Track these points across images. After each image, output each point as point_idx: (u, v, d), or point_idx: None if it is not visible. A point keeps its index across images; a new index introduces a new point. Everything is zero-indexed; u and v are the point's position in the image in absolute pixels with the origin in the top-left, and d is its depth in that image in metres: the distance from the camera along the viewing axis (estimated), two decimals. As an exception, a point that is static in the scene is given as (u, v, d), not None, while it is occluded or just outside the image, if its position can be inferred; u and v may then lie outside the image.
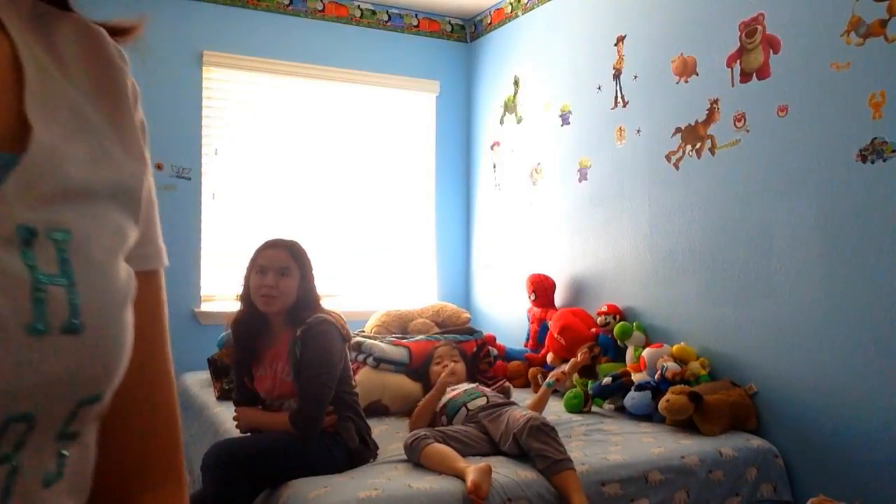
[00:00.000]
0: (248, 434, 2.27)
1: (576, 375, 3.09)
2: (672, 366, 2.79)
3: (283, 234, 2.48)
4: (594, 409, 2.96)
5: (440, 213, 4.48)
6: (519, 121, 4.12)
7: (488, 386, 2.80)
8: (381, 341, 3.16)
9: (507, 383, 3.01)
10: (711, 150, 2.89)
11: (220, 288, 3.83)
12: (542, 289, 3.67)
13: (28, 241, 0.42)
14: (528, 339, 3.76)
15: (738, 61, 2.78)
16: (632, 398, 2.84)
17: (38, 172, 0.44)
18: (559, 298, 3.71)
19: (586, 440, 2.51)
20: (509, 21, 4.22)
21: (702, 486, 2.36)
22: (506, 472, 2.11)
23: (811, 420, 2.51)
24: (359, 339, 3.15)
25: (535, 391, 3.15)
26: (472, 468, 2.01)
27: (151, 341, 0.58)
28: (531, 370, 3.40)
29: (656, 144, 3.16)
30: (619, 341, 3.16)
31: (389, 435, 2.61)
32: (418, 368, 2.99)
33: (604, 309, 3.28)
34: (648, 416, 2.80)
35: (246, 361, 2.33)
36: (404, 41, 4.39)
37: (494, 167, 4.33)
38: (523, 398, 2.88)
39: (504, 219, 4.23)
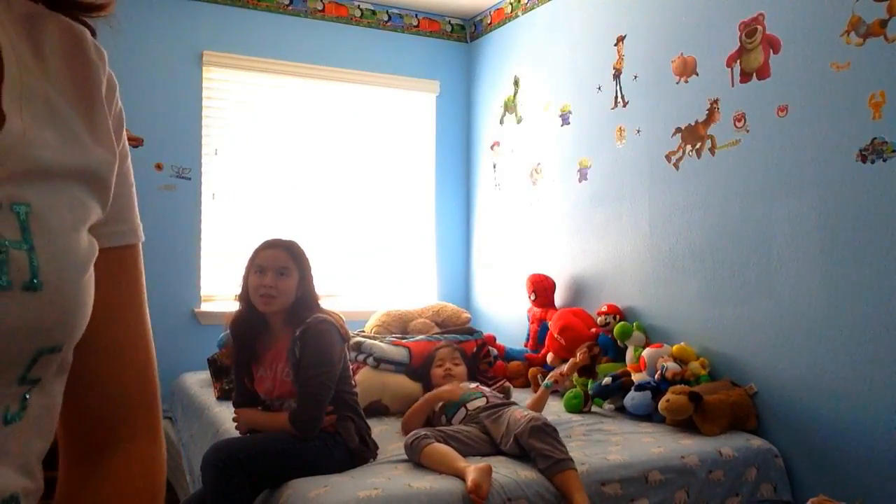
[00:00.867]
0: (248, 434, 2.27)
1: (575, 375, 3.09)
2: (672, 366, 2.80)
3: (283, 234, 2.48)
4: (594, 409, 2.96)
5: (440, 213, 4.48)
6: (519, 121, 4.12)
7: (488, 386, 2.80)
8: (381, 341, 3.16)
9: (507, 383, 3.01)
10: (711, 150, 2.89)
11: (220, 288, 3.83)
12: (542, 289, 3.67)
13: None
14: (528, 339, 3.76)
15: (738, 61, 2.78)
16: (632, 398, 2.84)
17: (4, 155, 0.50)
18: (559, 298, 3.71)
19: (586, 440, 2.51)
20: (509, 21, 4.22)
21: (702, 486, 2.36)
22: (506, 471, 2.11)
23: (811, 420, 2.51)
24: (359, 339, 3.15)
25: (535, 391, 3.14)
26: (472, 468, 2.01)
27: (126, 307, 0.70)
28: (531, 370, 3.40)
29: (656, 144, 3.16)
30: (619, 341, 3.16)
31: (389, 435, 2.61)
32: (418, 368, 2.99)
33: (604, 309, 3.28)
34: (648, 416, 2.80)
35: (245, 362, 2.33)
36: (404, 41, 4.39)
37: (494, 167, 4.33)
38: (523, 398, 2.88)
39: (504, 219, 4.23)
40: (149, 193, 3.67)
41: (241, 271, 2.35)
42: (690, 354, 2.87)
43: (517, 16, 4.15)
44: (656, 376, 2.82)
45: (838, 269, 2.43)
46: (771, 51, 2.65)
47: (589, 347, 3.13)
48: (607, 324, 3.23)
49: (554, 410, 2.94)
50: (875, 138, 2.32)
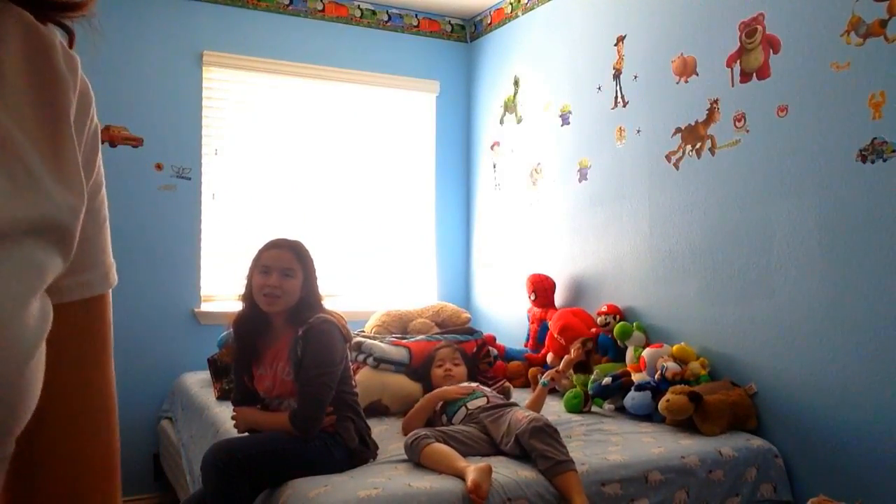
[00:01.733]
0: (248, 434, 2.27)
1: (574, 374, 3.08)
2: (672, 366, 2.80)
3: (284, 234, 2.48)
4: (594, 409, 2.96)
5: (440, 213, 4.48)
6: (519, 121, 4.12)
7: (488, 386, 2.80)
8: (381, 341, 3.16)
9: (507, 383, 3.01)
10: (711, 150, 2.89)
11: (220, 288, 3.83)
12: (542, 289, 3.67)
13: None
14: (528, 339, 3.76)
15: (738, 61, 2.78)
16: (632, 398, 2.84)
17: None
18: (559, 298, 3.71)
19: (586, 440, 2.51)
20: (509, 21, 4.22)
21: (702, 486, 2.36)
22: (506, 471, 2.11)
23: (811, 420, 2.51)
24: (359, 339, 3.15)
25: (535, 391, 3.14)
26: (472, 468, 2.01)
27: (93, 367, 0.56)
28: (531, 370, 3.40)
29: (656, 144, 3.16)
30: (619, 341, 3.16)
31: (389, 435, 2.61)
32: (418, 368, 2.99)
33: (604, 309, 3.28)
34: (648, 416, 2.80)
35: (246, 360, 2.33)
36: (404, 41, 4.39)
37: (494, 167, 4.33)
38: (523, 398, 2.87)
39: (504, 219, 4.23)
40: (149, 193, 3.67)
41: (243, 271, 2.35)
42: (690, 354, 2.87)
43: (517, 16, 4.15)
44: (656, 376, 2.82)
45: (838, 269, 2.43)
46: (771, 51, 2.65)
47: (583, 342, 3.11)
48: (607, 324, 3.23)
49: (554, 410, 2.94)
50: (875, 138, 2.32)
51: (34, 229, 0.45)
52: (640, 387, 2.84)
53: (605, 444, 2.45)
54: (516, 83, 4.15)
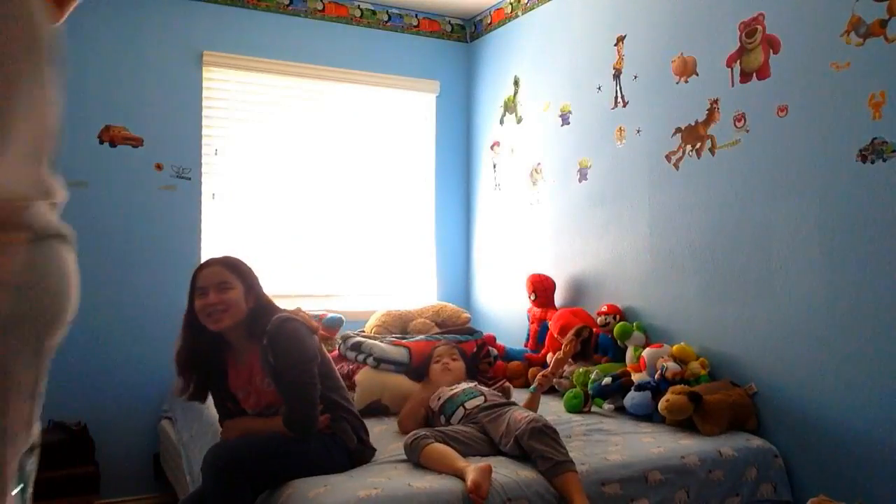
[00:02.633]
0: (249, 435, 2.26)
1: (576, 371, 3.08)
2: (672, 366, 2.79)
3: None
4: (594, 409, 2.96)
5: (440, 213, 4.48)
6: (519, 121, 4.12)
7: (488, 386, 2.79)
8: (381, 341, 3.16)
9: (507, 383, 3.01)
10: (711, 150, 2.89)
11: (220, 288, 3.83)
12: (542, 289, 3.67)
13: None
14: (528, 339, 3.76)
15: (738, 61, 2.78)
16: (632, 398, 2.84)
17: None
18: (559, 298, 3.71)
19: (586, 440, 2.51)
20: (509, 21, 4.22)
21: (702, 486, 2.36)
22: (506, 471, 2.11)
23: (811, 420, 2.51)
24: (359, 339, 3.15)
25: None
26: (472, 468, 2.01)
27: None
28: (531, 370, 3.40)
29: (656, 144, 3.16)
30: (619, 341, 3.16)
31: (389, 435, 2.61)
32: (418, 368, 2.99)
33: (604, 309, 3.28)
34: (648, 416, 2.80)
35: (221, 388, 2.26)
36: (404, 41, 4.39)
37: (494, 167, 4.33)
38: (523, 398, 2.87)
39: (504, 219, 4.23)
40: (149, 193, 3.67)
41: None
42: (690, 354, 2.87)
43: (517, 16, 4.15)
44: (656, 376, 2.82)
45: (838, 268, 2.43)
46: (771, 51, 2.65)
47: (577, 332, 3.06)
48: (607, 324, 3.23)
49: (554, 410, 2.94)
50: (875, 138, 2.32)
51: None
52: (640, 387, 2.84)
53: (605, 444, 2.45)
54: (516, 83, 4.15)
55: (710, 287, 2.89)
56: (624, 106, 3.35)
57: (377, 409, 2.92)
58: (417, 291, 4.35)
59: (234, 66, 3.89)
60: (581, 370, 3.09)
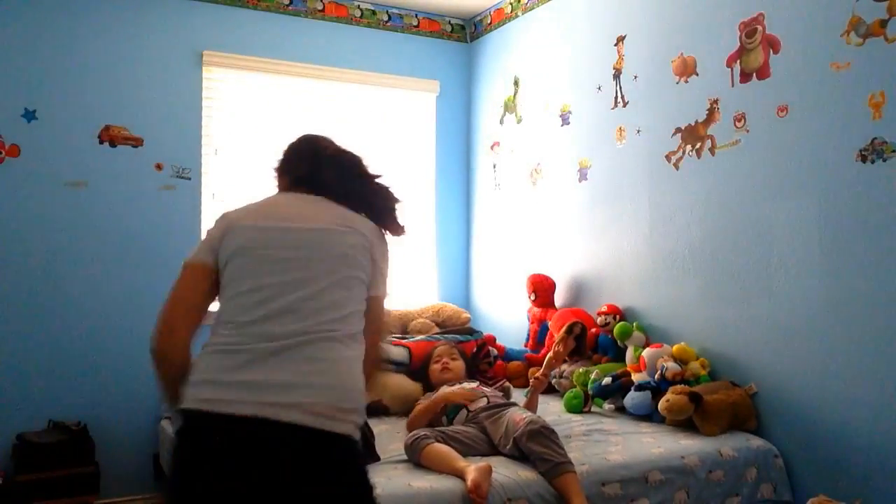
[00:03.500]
0: None
1: (576, 371, 3.08)
2: (672, 366, 2.79)
3: None
4: (594, 409, 2.96)
5: (440, 213, 4.48)
6: (519, 121, 4.12)
7: (488, 386, 2.79)
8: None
9: (507, 383, 3.01)
10: (711, 150, 2.89)
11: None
12: (542, 289, 3.67)
13: None
14: (528, 339, 3.76)
15: (738, 61, 2.78)
16: (632, 398, 2.84)
17: None
18: (559, 298, 3.71)
19: (586, 440, 2.51)
20: (509, 21, 4.22)
21: (702, 486, 2.36)
22: (506, 472, 2.11)
23: (811, 420, 2.51)
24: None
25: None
26: (472, 467, 2.01)
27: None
28: (531, 370, 3.40)
29: (656, 144, 3.16)
30: (619, 341, 3.16)
31: (389, 435, 2.61)
32: (418, 368, 2.99)
33: (604, 309, 3.28)
34: (648, 416, 2.80)
35: None
36: (404, 41, 4.38)
37: (494, 167, 4.33)
38: (522, 399, 2.87)
39: (504, 219, 4.23)
40: (149, 193, 3.67)
41: None
42: (690, 354, 2.87)
43: (517, 16, 4.15)
44: (656, 376, 2.82)
45: (838, 268, 2.43)
46: (771, 51, 2.65)
47: (568, 330, 3.02)
48: (607, 324, 3.23)
49: (554, 410, 2.94)
50: (875, 138, 2.32)
51: None
52: (640, 387, 2.84)
53: (605, 445, 2.45)
54: (516, 83, 4.15)
55: (710, 287, 2.89)
56: (624, 106, 3.35)
57: (377, 409, 2.92)
58: (417, 291, 4.34)
59: (234, 66, 3.88)
60: (581, 370, 3.09)
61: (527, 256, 3.99)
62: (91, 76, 3.57)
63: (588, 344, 3.27)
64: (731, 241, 2.81)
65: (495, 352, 3.48)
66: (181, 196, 3.75)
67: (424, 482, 2.04)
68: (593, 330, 3.30)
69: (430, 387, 2.89)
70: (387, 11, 4.33)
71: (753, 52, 2.72)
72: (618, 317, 3.24)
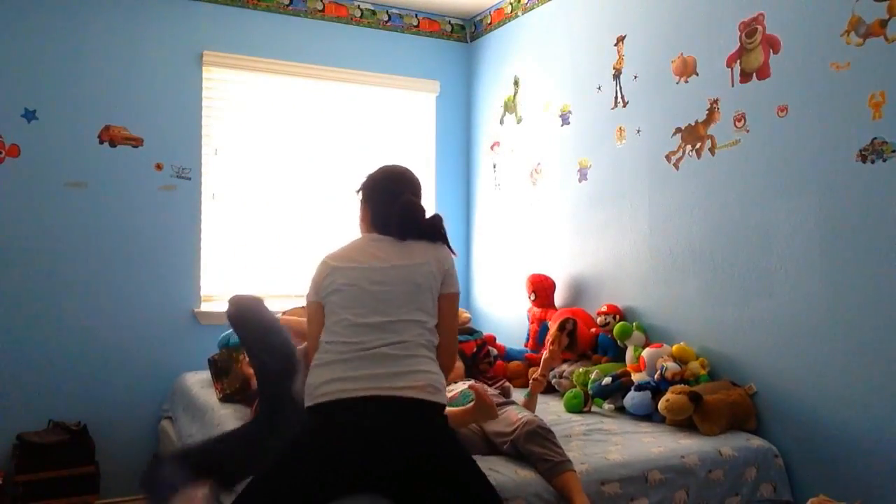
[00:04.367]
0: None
1: (576, 371, 3.08)
2: (672, 366, 2.80)
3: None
4: (594, 409, 2.96)
5: (440, 213, 4.47)
6: (519, 121, 4.12)
7: (489, 386, 2.79)
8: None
9: (508, 383, 3.01)
10: (711, 150, 2.89)
11: (220, 288, 3.83)
12: (542, 289, 3.67)
13: None
14: (528, 339, 3.76)
15: (738, 61, 2.78)
16: (632, 398, 2.84)
17: None
18: (559, 298, 3.71)
19: (586, 440, 2.51)
20: (509, 21, 4.22)
21: (701, 485, 2.36)
22: (505, 471, 2.11)
23: (811, 420, 2.51)
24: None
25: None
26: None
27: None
28: (531, 370, 3.40)
29: (656, 144, 3.16)
30: (619, 341, 3.16)
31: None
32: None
33: (604, 309, 3.28)
34: (648, 416, 2.80)
35: None
36: (404, 41, 4.39)
37: (494, 167, 4.33)
38: (521, 399, 2.87)
39: (504, 219, 4.23)
40: (149, 193, 3.67)
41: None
42: (690, 354, 2.87)
43: (517, 16, 4.15)
44: (656, 376, 2.83)
45: (838, 268, 2.43)
46: (771, 51, 2.65)
47: (560, 327, 3.01)
48: (607, 324, 3.23)
49: (554, 410, 2.94)
50: (875, 138, 2.32)
51: None
52: (640, 387, 2.84)
53: (605, 444, 2.45)
54: (516, 83, 4.15)
55: (710, 287, 2.89)
56: (624, 106, 3.35)
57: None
58: (417, 291, 4.34)
59: (234, 66, 3.89)
60: (581, 370, 3.09)
61: (527, 256, 3.99)
62: (91, 76, 3.57)
63: (587, 343, 3.28)
64: (731, 241, 2.81)
65: (495, 352, 3.48)
66: (181, 196, 3.75)
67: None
68: (593, 330, 3.30)
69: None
70: (387, 11, 4.33)
71: (753, 52, 2.72)
72: (618, 317, 3.24)
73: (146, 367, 3.64)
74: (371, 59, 4.25)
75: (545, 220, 3.87)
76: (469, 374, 2.95)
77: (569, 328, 3.06)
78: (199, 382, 3.31)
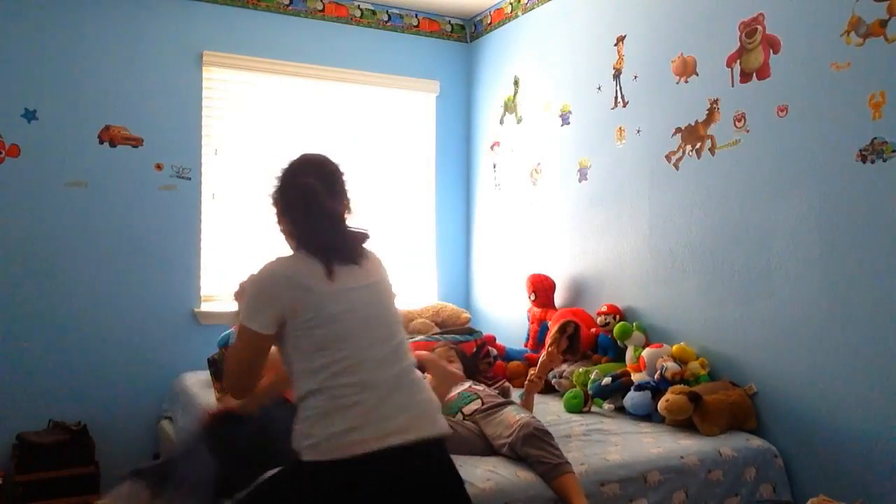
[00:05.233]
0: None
1: (576, 371, 3.08)
2: (672, 366, 2.79)
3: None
4: (594, 409, 2.95)
5: (440, 213, 4.48)
6: (519, 121, 4.12)
7: (488, 386, 2.79)
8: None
9: (507, 383, 3.00)
10: (711, 150, 2.89)
11: (220, 288, 3.83)
12: (542, 289, 3.67)
13: None
14: (528, 339, 3.75)
15: (738, 61, 2.78)
16: (631, 398, 2.84)
17: None
18: (559, 298, 3.71)
19: (586, 440, 2.51)
20: (509, 21, 4.22)
21: (701, 486, 2.36)
22: (505, 473, 2.11)
23: (811, 420, 2.51)
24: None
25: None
26: None
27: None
28: (530, 370, 3.39)
29: (656, 144, 3.16)
30: (618, 341, 3.16)
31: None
32: (418, 368, 2.98)
33: (604, 309, 3.28)
34: (648, 416, 2.80)
35: None
36: (404, 41, 4.39)
37: (494, 167, 4.33)
38: (518, 400, 2.87)
39: (504, 219, 4.23)
40: (149, 193, 3.67)
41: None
42: (690, 354, 2.87)
43: (517, 16, 4.15)
44: (656, 376, 2.82)
45: (838, 269, 2.43)
46: (771, 51, 2.65)
47: (561, 329, 3.01)
48: (607, 324, 3.23)
49: (554, 410, 2.94)
50: (875, 138, 2.32)
51: None
52: (640, 387, 2.84)
53: (605, 444, 2.45)
54: (516, 83, 4.15)
55: (710, 287, 2.89)
56: (624, 106, 3.35)
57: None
58: (417, 291, 4.34)
59: (234, 66, 3.89)
60: (581, 370, 3.09)
61: (527, 256, 3.99)
62: (91, 76, 3.57)
63: (587, 344, 3.28)
64: (730, 241, 2.81)
65: (495, 352, 3.48)
66: (181, 196, 3.75)
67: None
68: (593, 330, 3.30)
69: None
70: (387, 11, 4.33)
71: (753, 52, 2.72)
72: (617, 317, 3.24)
73: (146, 367, 3.64)
74: (371, 59, 4.25)
75: (545, 220, 3.87)
76: (469, 374, 2.95)
77: (569, 332, 3.05)
78: (198, 382, 3.31)
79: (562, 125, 3.76)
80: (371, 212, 4.28)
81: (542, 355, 2.81)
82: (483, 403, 2.49)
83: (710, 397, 2.60)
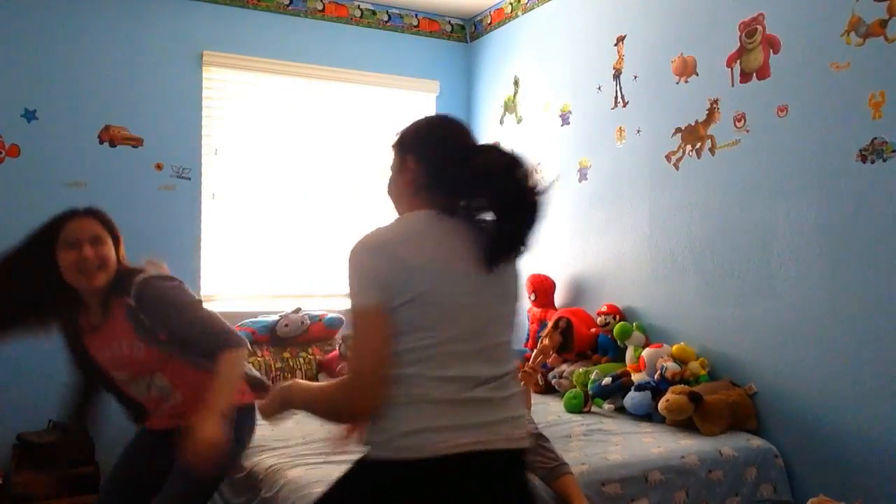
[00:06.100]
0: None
1: (576, 371, 3.08)
2: (672, 366, 2.79)
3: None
4: (594, 409, 2.96)
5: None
6: (519, 121, 4.12)
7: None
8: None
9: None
10: (711, 150, 2.89)
11: (221, 288, 3.83)
12: (542, 289, 3.67)
13: None
14: (528, 339, 3.76)
15: (738, 61, 2.78)
16: (632, 398, 2.84)
17: None
18: (559, 298, 3.71)
19: (586, 440, 2.51)
20: (509, 21, 4.22)
21: (701, 486, 2.36)
22: (506, 472, 2.11)
23: (811, 420, 2.51)
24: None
25: (534, 390, 3.14)
26: None
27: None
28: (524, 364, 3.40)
29: (656, 144, 3.16)
30: (619, 341, 3.16)
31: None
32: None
33: (604, 309, 3.28)
34: (648, 416, 2.80)
35: (85, 357, 2.12)
36: (404, 41, 4.39)
37: (494, 167, 4.32)
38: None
39: (504, 219, 4.22)
40: (149, 193, 3.67)
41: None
42: (690, 354, 2.87)
43: (517, 16, 4.15)
44: (656, 376, 2.82)
45: (838, 268, 2.43)
46: (771, 51, 2.65)
47: (554, 325, 3.01)
48: (607, 324, 3.23)
49: (554, 411, 2.94)
50: (875, 138, 2.32)
51: None
52: (640, 387, 2.84)
53: (605, 444, 2.45)
54: (516, 83, 4.15)
55: (710, 287, 2.89)
56: (624, 106, 3.35)
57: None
58: (417, 291, 4.33)
59: (234, 66, 3.89)
60: (581, 370, 3.09)
61: (527, 256, 3.98)
62: (91, 76, 3.57)
63: (588, 344, 3.28)
64: (731, 241, 2.81)
65: (495, 352, 3.47)
66: (181, 196, 3.74)
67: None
68: (593, 330, 3.30)
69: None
70: (387, 11, 4.33)
71: (753, 52, 2.72)
72: (618, 317, 3.24)
73: (146, 367, 3.63)
74: (371, 59, 4.25)
75: (545, 220, 3.86)
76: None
77: (561, 326, 3.06)
78: (199, 382, 3.31)
79: (562, 125, 3.76)
80: (371, 212, 4.28)
81: (541, 343, 2.85)
82: None
83: (710, 397, 2.60)
